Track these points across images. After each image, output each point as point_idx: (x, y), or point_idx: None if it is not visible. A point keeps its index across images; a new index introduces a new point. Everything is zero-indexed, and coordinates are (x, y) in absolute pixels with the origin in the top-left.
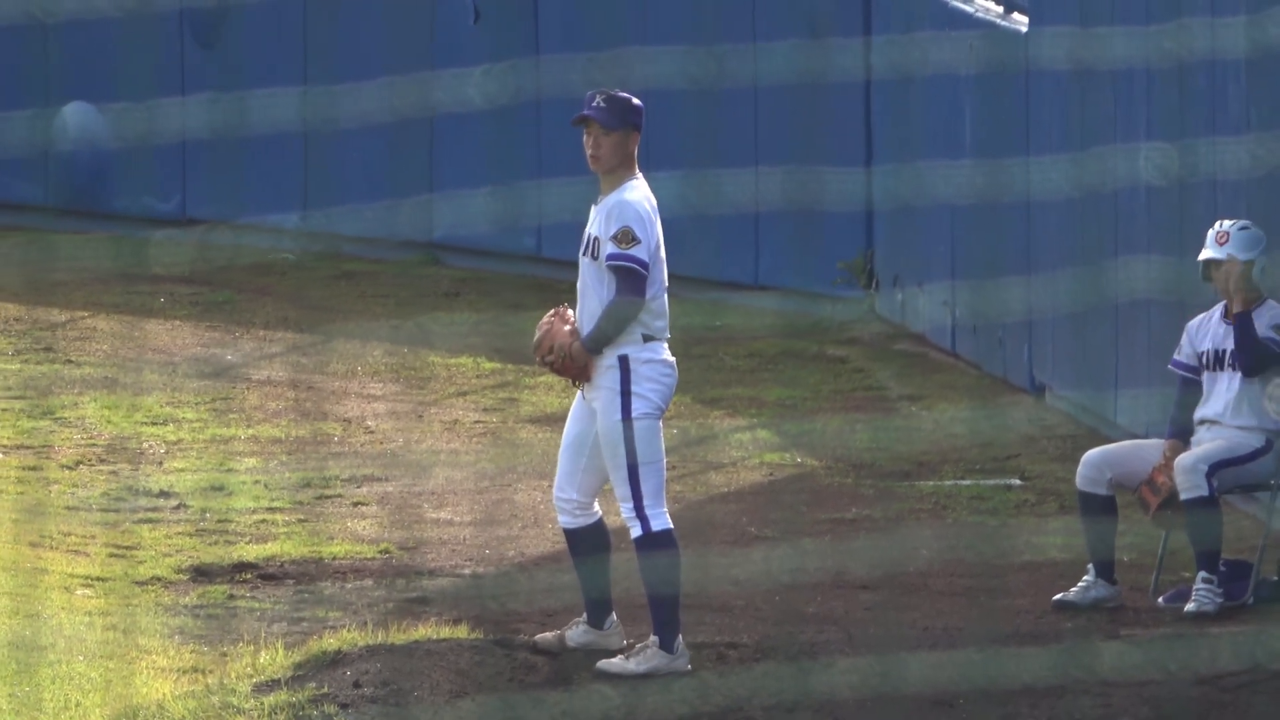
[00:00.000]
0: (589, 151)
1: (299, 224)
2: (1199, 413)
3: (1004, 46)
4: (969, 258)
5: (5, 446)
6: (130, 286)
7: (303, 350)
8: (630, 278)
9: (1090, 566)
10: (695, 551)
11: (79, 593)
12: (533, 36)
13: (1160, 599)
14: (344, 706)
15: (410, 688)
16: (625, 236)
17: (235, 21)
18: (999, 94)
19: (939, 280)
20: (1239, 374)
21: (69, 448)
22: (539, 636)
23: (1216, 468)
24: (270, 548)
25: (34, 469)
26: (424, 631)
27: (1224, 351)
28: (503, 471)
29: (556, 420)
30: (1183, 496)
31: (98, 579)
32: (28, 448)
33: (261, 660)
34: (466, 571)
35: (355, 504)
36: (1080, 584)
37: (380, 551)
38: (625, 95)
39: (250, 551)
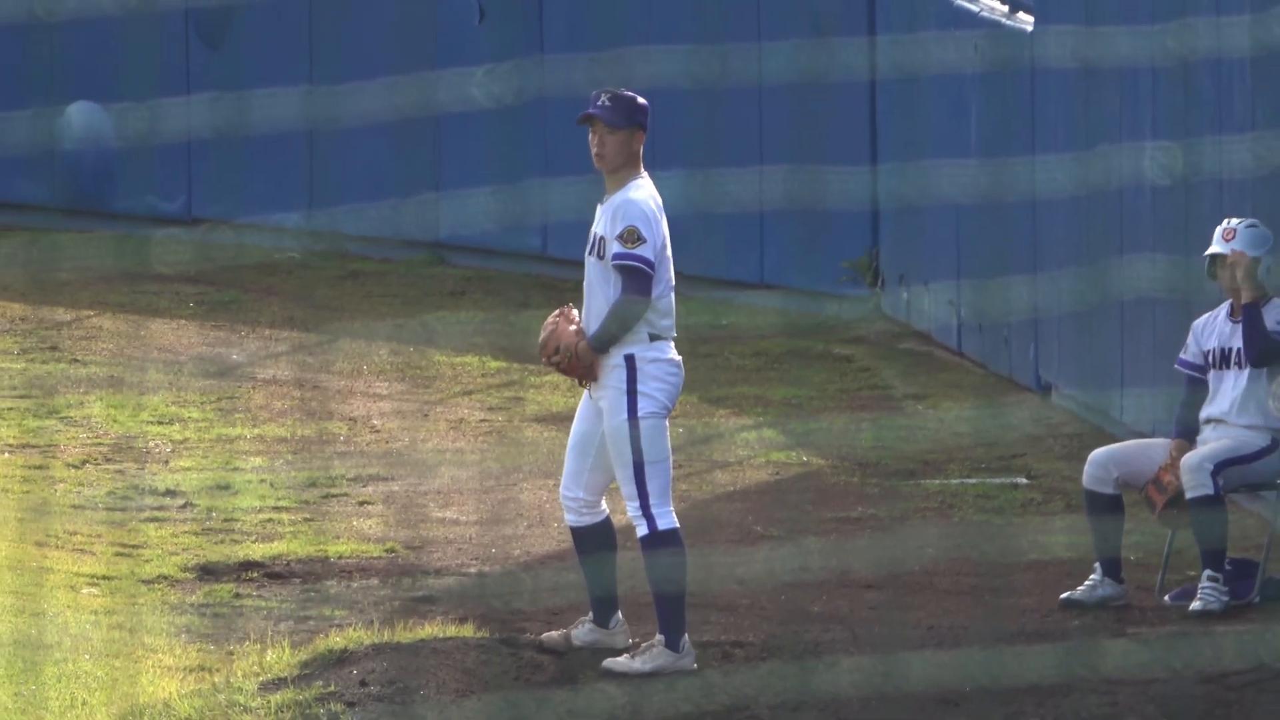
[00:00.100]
0: (594, 150)
1: (304, 223)
2: (1205, 412)
3: (1009, 45)
4: (974, 257)
5: (11, 445)
6: (135, 286)
7: (308, 349)
8: (636, 277)
9: (1097, 565)
10: (701, 550)
11: (85, 591)
12: (537, 36)
13: (1166, 597)
14: (350, 705)
15: (416, 686)
16: (631, 236)
17: (240, 21)
18: (1004, 93)
19: (944, 279)
20: (1245, 372)
21: (75, 447)
22: (545, 635)
23: (1222, 466)
24: (276, 546)
25: (40, 468)
26: (430, 630)
27: (1230, 350)
28: (508, 470)
29: (562, 419)
30: (1188, 495)
31: (103, 578)
32: (33, 447)
33: (268, 659)
34: (472, 570)
35: (361, 503)
36: (1087, 583)
37: (386, 550)
38: (631, 94)
39: (256, 550)
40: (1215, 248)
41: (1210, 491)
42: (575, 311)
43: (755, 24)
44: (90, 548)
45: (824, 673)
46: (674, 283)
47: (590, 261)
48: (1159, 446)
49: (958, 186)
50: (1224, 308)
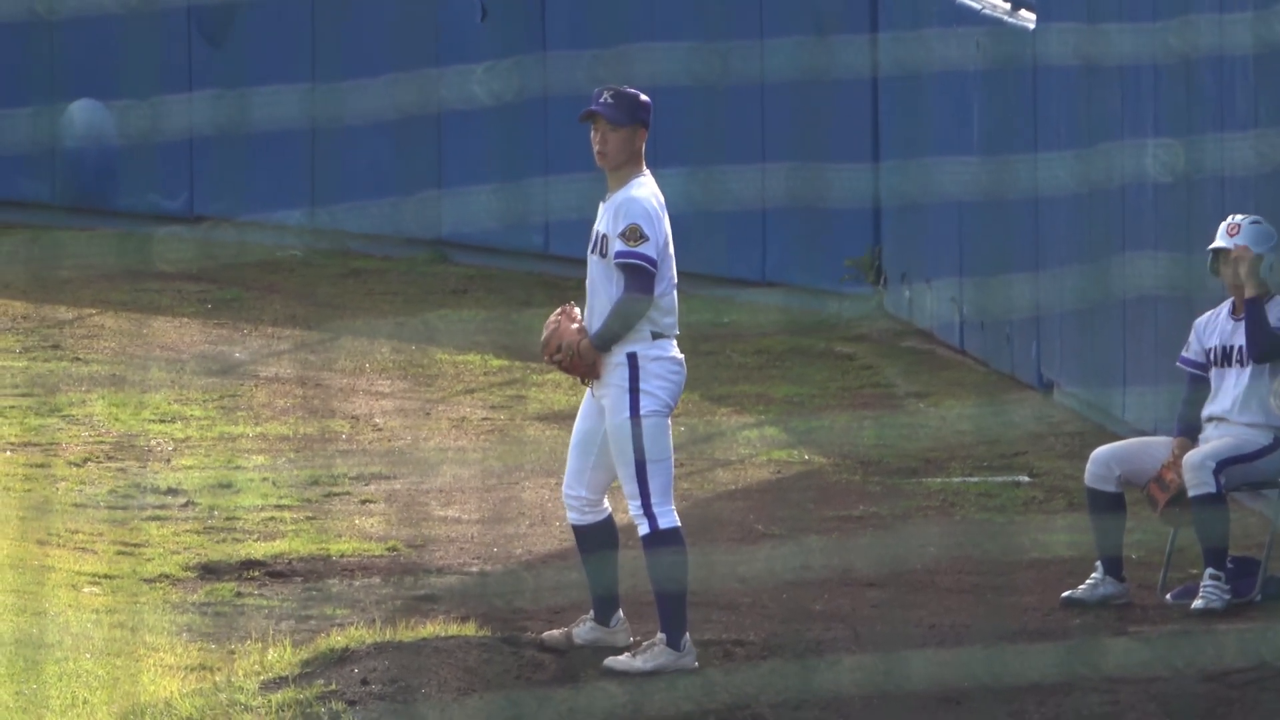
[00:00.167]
0: (596, 148)
1: (307, 221)
2: (1207, 410)
3: (1011, 43)
4: (977, 255)
5: (13, 444)
6: (137, 284)
7: (310, 348)
8: (639, 275)
9: (1098, 563)
10: (702, 549)
11: (86, 590)
12: (540, 34)
13: (1168, 596)
14: (351, 704)
15: (418, 685)
16: (633, 234)
17: (243, 19)
18: (1006, 90)
19: (947, 277)
20: (1247, 370)
21: (76, 445)
22: (546, 634)
23: (1224, 464)
24: (278, 545)
25: (41, 466)
26: (431, 629)
27: (1232, 348)
28: (510, 469)
29: (564, 418)
30: (1190, 493)
31: (105, 576)
32: (35, 445)
33: (269, 658)
34: (474, 569)
35: (363, 501)
36: (1088, 581)
37: (388, 549)
38: (633, 91)
39: (258, 549)
40: (1219, 242)
41: (1212, 489)
42: (577, 310)
43: (758, 22)
44: (92, 546)
45: (826, 671)
46: (676, 280)
47: (593, 260)
48: (1161, 445)
49: (960, 184)
50: (1225, 305)
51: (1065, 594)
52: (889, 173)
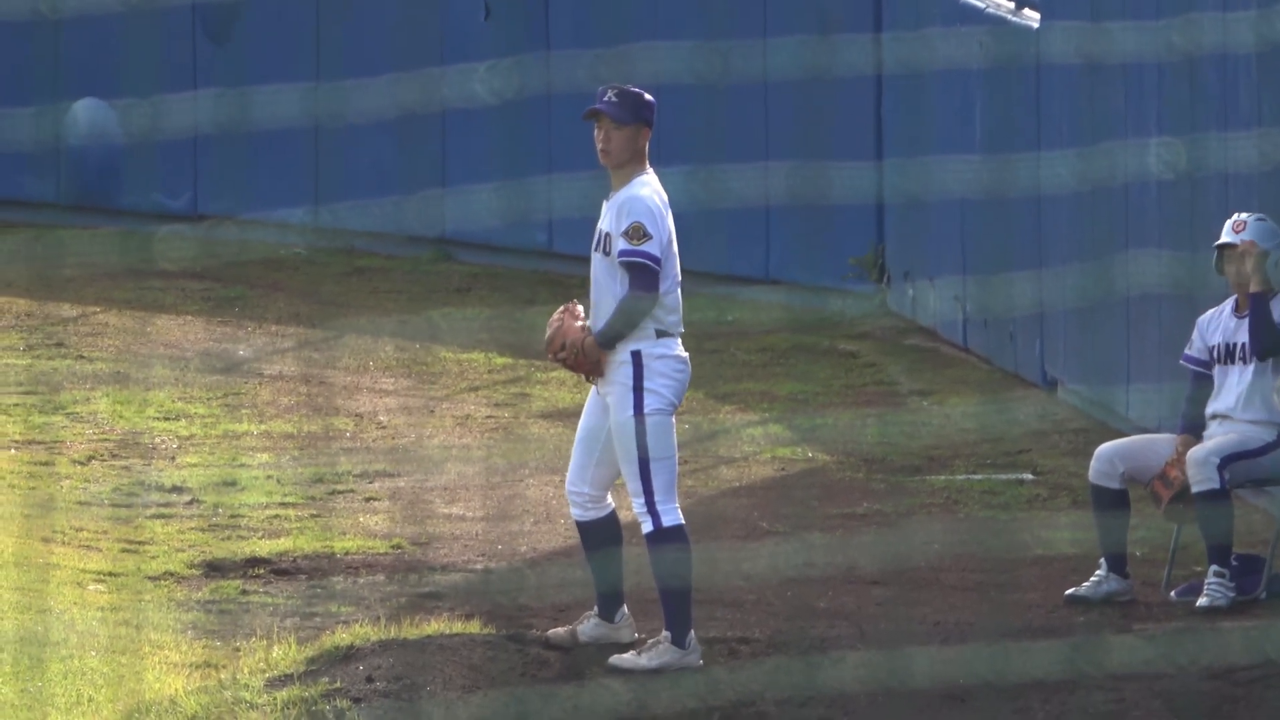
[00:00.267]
0: (599, 146)
1: (310, 220)
2: (1210, 407)
3: (1014, 42)
4: (980, 252)
5: (17, 442)
6: (141, 282)
7: (314, 345)
8: (643, 273)
9: (1102, 561)
10: (706, 546)
11: (91, 588)
12: (543, 32)
13: (1173, 593)
14: (356, 701)
15: (423, 682)
16: (636, 232)
17: (246, 18)
18: (1009, 89)
19: (950, 275)
20: (1250, 367)
21: (81, 443)
22: (551, 632)
23: (1228, 461)
24: (282, 543)
25: (45, 464)
26: (436, 626)
27: (1235, 345)
28: (514, 467)
29: (568, 415)
30: (1194, 489)
31: (109, 574)
32: (39, 443)
33: (274, 655)
34: (478, 566)
35: (367, 499)
36: (1092, 578)
37: (392, 546)
38: (637, 90)
39: (262, 547)
40: (1225, 238)
41: (1216, 486)
42: (580, 307)
43: (761, 20)
44: (96, 544)
45: (830, 668)
46: (680, 279)
47: (596, 258)
48: (1165, 442)
49: (963, 182)
50: (1229, 303)
51: (1069, 591)
52: (892, 171)
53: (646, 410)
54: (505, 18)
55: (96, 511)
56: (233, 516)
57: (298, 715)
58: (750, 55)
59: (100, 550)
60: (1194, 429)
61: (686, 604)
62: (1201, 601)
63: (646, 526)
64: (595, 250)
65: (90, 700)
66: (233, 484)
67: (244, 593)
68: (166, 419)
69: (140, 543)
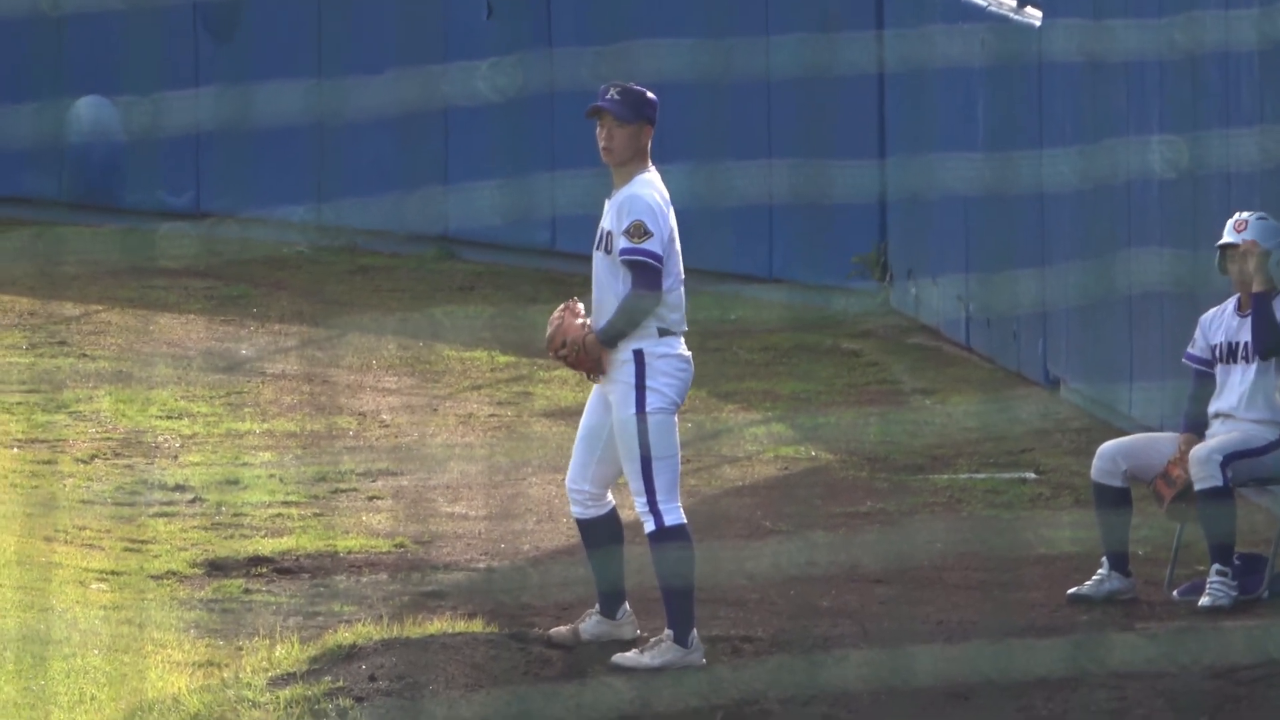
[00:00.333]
0: (602, 144)
1: (313, 218)
2: (1212, 406)
3: (1017, 40)
4: (983, 251)
5: (19, 440)
6: (144, 280)
7: (317, 344)
8: (645, 271)
9: (1104, 559)
10: (709, 545)
11: (93, 587)
12: (546, 30)
13: (1175, 592)
14: (359, 700)
15: (425, 681)
16: (637, 230)
17: (249, 15)
18: (1012, 87)
19: (953, 273)
20: (1253, 367)
21: (83, 442)
22: (553, 631)
23: (1231, 459)
24: (285, 542)
25: (48, 463)
26: (439, 625)
27: (1237, 344)
28: (517, 465)
29: (570, 414)
30: (1197, 487)
31: (112, 573)
32: (42, 442)
33: (276, 654)
34: (481, 565)
35: (370, 498)
36: (1094, 577)
37: (395, 545)
38: (639, 88)
39: (265, 545)
40: (1227, 238)
41: (1219, 483)
42: (580, 305)
43: (763, 17)
44: (99, 543)
45: (833, 667)
46: (683, 277)
47: (598, 257)
48: (1167, 440)
49: (965, 181)
50: (1231, 302)
51: (1071, 591)
52: (895, 169)
53: (649, 409)
54: (508, 15)
55: (99, 510)
56: (235, 515)
57: (300, 714)
58: (752, 53)
59: (103, 549)
60: (1196, 428)
61: (689, 603)
62: (1204, 601)
63: (649, 525)
64: (597, 249)
65: (93, 699)
66: (235, 483)
67: (247, 591)
68: (169, 417)
69: (143, 541)
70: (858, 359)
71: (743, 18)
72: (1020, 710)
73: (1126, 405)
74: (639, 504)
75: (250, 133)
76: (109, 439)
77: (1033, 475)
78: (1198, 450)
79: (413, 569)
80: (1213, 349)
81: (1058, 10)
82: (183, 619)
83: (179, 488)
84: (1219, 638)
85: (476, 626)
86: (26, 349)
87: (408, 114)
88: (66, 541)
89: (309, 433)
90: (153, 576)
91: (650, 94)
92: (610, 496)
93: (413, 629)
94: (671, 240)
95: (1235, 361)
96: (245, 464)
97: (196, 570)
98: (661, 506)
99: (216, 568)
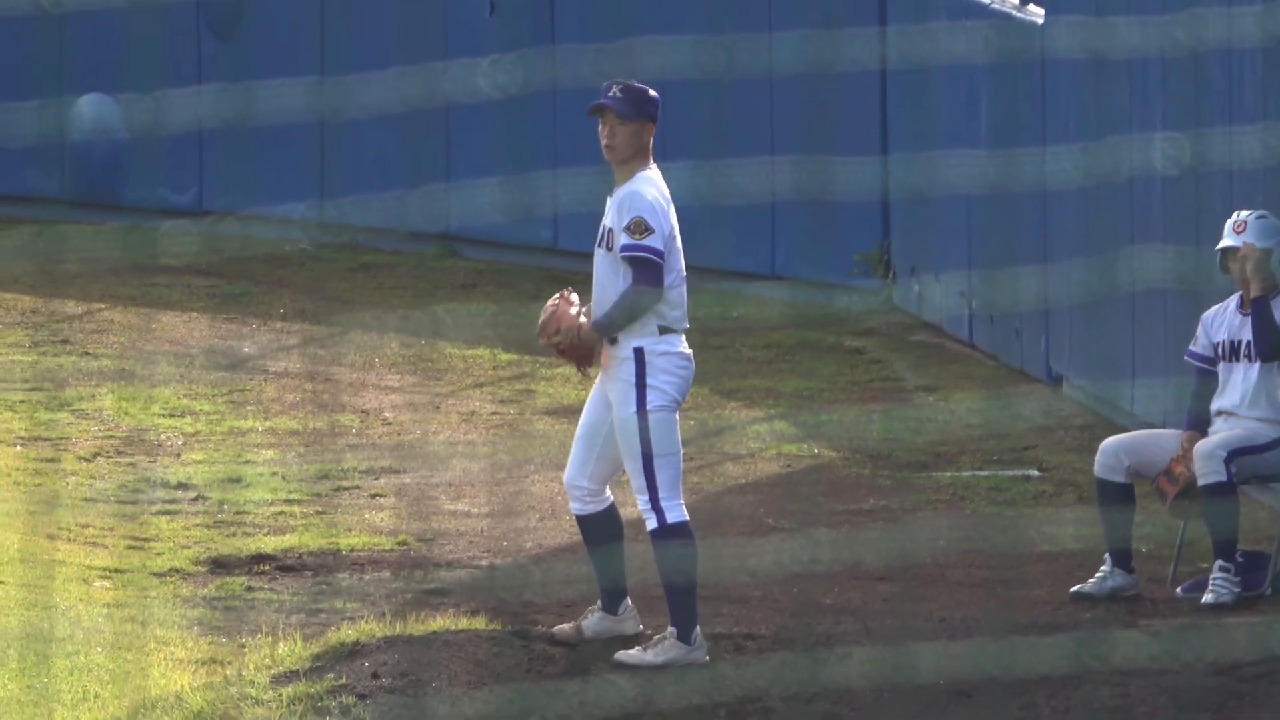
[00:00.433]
0: (604, 142)
1: (316, 216)
2: (1215, 404)
3: (1019, 37)
4: (985, 248)
5: (22, 438)
6: (146, 279)
7: (320, 342)
8: (647, 268)
9: (1107, 556)
10: (712, 543)
11: (96, 584)
12: (548, 27)
13: (1178, 589)
14: (362, 697)
15: (428, 679)
16: (638, 227)
17: (251, 13)
18: (1015, 84)
19: (955, 270)
20: (1255, 365)
21: (86, 440)
22: (557, 628)
23: (1235, 454)
24: (288, 539)
25: (51, 461)
26: (442, 623)
27: (1240, 342)
28: (519, 463)
29: (573, 411)
30: (1201, 482)
31: (115, 571)
32: (45, 440)
33: (279, 651)
34: (484, 563)
35: (372, 495)
36: (1097, 574)
37: (398, 543)
38: (642, 86)
39: (268, 543)
40: (1226, 240)
41: (1223, 478)
42: (575, 295)
43: (766, 14)
44: (102, 541)
45: (836, 664)
46: (685, 274)
47: (599, 254)
48: (1170, 436)
49: (968, 178)
50: (1233, 300)
51: (1074, 589)
52: (897, 166)
53: (649, 407)
54: (509, 12)
55: (102, 508)
56: (238, 513)
57: (303, 711)
58: (755, 50)
59: (106, 547)
60: (1199, 425)
61: (691, 600)
62: (1207, 598)
63: (651, 523)
64: (598, 246)
65: (96, 696)
66: (238, 480)
67: (249, 589)
68: (172, 416)
69: (146, 539)
70: (860, 356)
71: (745, 14)
72: (1023, 708)
73: (1129, 402)
74: (641, 502)
75: (252, 130)
76: (112, 437)
77: (1036, 472)
78: (1202, 445)
79: (415, 566)
80: (1215, 347)
81: (1060, 7)
82: (185, 616)
83: (182, 485)
84: (1222, 634)
85: (479, 624)
86: (29, 347)
87: (410, 111)
88: (69, 539)
89: (311, 430)
90: (155, 574)
91: (652, 91)
92: (609, 492)
93: (415, 626)
94: (672, 237)
95: (1238, 359)
96: (248, 462)
97: (199, 568)
98: (664, 504)
99: (219, 565)
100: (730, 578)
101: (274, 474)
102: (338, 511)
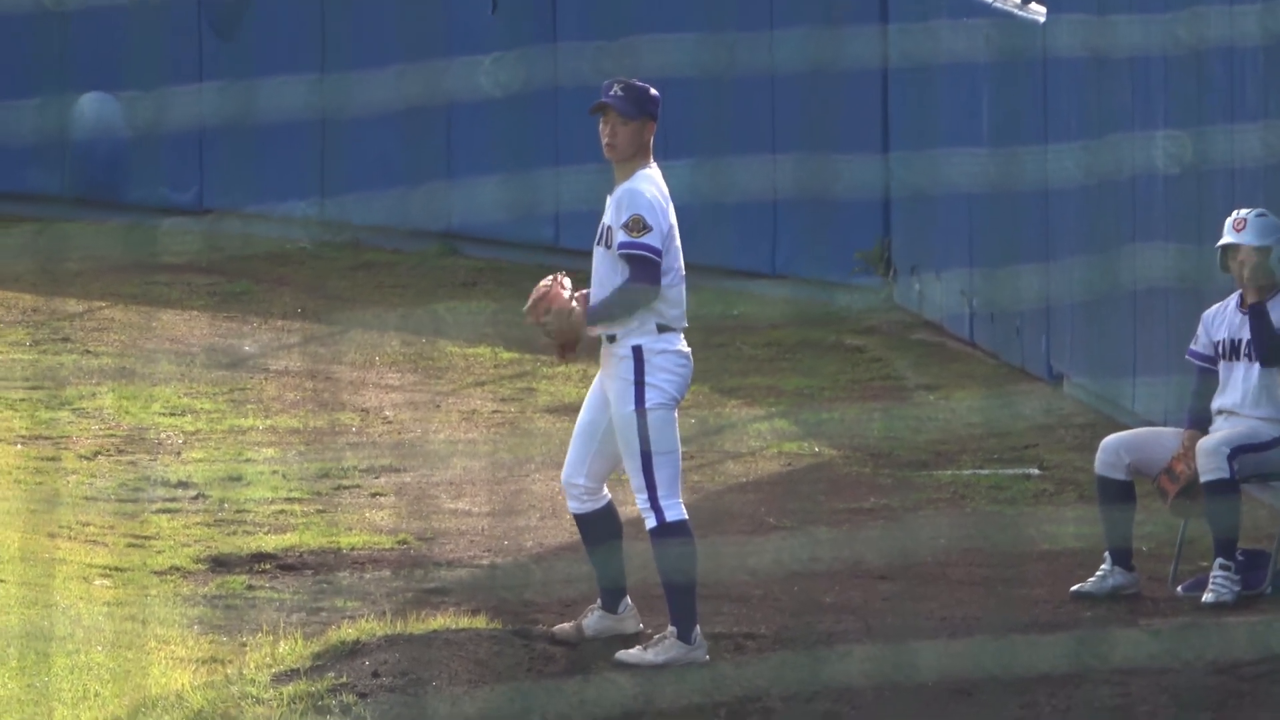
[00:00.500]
0: (605, 140)
1: (316, 214)
2: (1216, 402)
3: (1021, 35)
4: (986, 247)
5: (23, 437)
6: (147, 277)
7: (320, 340)
8: (644, 265)
9: (1106, 554)
10: (713, 541)
11: (97, 583)
12: (550, 25)
13: (1179, 588)
14: (362, 696)
15: (428, 677)
16: (637, 224)
17: (253, 11)
18: (1016, 83)
19: (957, 269)
20: (1256, 364)
21: (87, 438)
22: (557, 627)
23: (1238, 451)
24: (288, 538)
25: (51, 459)
26: (442, 622)
27: (1240, 341)
28: (520, 462)
29: (574, 410)
30: (1203, 479)
31: (116, 569)
32: (45, 438)
33: (280, 650)
34: (484, 562)
35: (373, 494)
36: (1098, 573)
37: (398, 542)
38: (643, 84)
39: (268, 542)
40: (1227, 238)
41: (1226, 475)
42: (568, 279)
43: (767, 12)
44: (102, 539)
45: (837, 663)
46: (684, 273)
47: (598, 252)
48: (1171, 434)
49: (970, 176)
50: (1234, 298)
51: (1074, 588)
52: (899, 164)
53: (648, 405)
54: (512, 10)
55: (102, 506)
56: (238, 512)
57: (304, 710)
58: (756, 48)
59: (106, 545)
60: (1200, 424)
61: (691, 599)
62: (1207, 597)
63: (650, 522)
64: (597, 244)
65: (96, 695)
66: (238, 479)
67: (250, 588)
68: (172, 414)
69: (146, 538)
70: (861, 355)
71: (746, 13)
72: (1024, 706)
73: (1130, 401)
74: (640, 500)
75: (253, 128)
76: (112, 435)
77: (1036, 471)
78: (1205, 442)
79: (416, 565)
80: (1215, 345)
81: (1062, 6)
82: (186, 615)
83: (182, 484)
84: (1222, 633)
85: (479, 623)
86: (30, 345)
87: (411, 109)
88: (70, 538)
89: (312, 429)
90: (156, 573)
91: (653, 90)
92: (606, 491)
93: (416, 625)
94: (671, 236)
95: (1238, 359)
96: (248, 460)
97: (200, 566)
98: (663, 503)
99: (220, 564)
100: (731, 576)
101: (274, 472)
102: (338, 510)
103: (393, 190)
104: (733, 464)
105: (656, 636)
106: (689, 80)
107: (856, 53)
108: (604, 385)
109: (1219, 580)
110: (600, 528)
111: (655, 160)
